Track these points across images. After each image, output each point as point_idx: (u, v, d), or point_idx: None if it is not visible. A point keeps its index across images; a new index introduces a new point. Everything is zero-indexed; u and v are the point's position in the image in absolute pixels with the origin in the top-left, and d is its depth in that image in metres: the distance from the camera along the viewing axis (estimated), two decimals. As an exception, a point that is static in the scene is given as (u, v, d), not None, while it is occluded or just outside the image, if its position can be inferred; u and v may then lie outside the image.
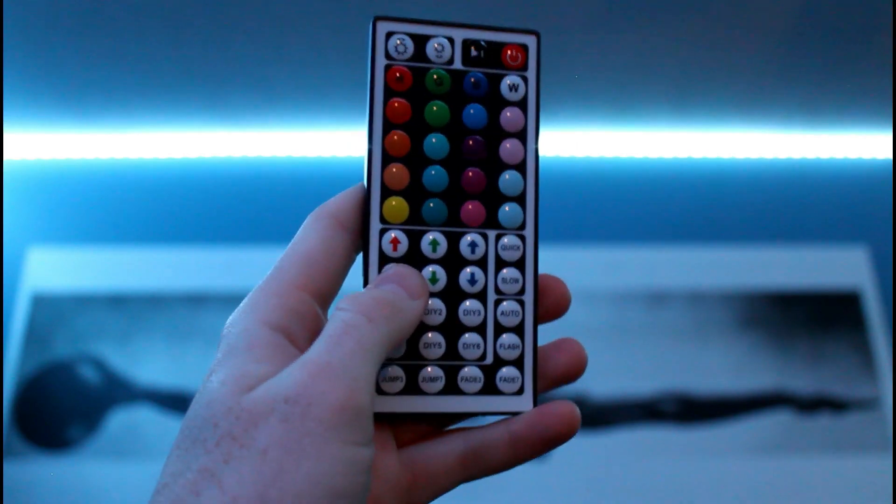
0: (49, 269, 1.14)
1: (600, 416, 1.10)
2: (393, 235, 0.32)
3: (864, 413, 1.12)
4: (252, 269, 1.13)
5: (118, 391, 1.08)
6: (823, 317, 1.17)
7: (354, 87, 1.10)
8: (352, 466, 0.25)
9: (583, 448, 1.08)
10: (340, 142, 1.21)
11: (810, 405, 1.12)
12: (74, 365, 1.10)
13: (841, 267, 1.20)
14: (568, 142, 1.24)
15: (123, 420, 1.07)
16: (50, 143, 1.20)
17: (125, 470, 1.04)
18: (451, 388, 0.32)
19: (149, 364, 1.09)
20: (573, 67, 1.08)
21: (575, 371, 0.32)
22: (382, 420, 0.31)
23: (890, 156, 1.26)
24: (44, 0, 0.93)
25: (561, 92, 1.14)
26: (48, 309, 1.12)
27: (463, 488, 0.32)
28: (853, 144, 1.27)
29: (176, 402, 1.08)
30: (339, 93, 1.12)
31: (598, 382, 1.11)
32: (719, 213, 1.24)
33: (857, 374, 1.14)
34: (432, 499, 0.31)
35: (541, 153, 0.33)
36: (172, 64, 1.05)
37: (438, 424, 0.32)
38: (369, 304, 0.28)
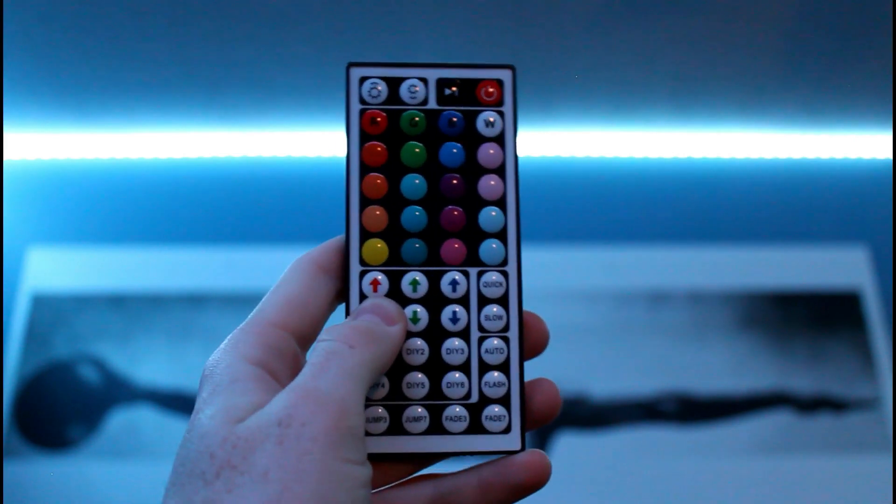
0: (49, 269, 1.14)
1: (600, 416, 1.10)
2: (373, 277, 0.32)
3: (864, 413, 1.12)
4: (252, 269, 1.13)
5: (118, 391, 1.08)
6: (823, 317, 1.17)
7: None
8: (352, 482, 0.25)
9: (583, 448, 1.08)
10: (340, 142, 1.21)
11: (810, 405, 1.12)
12: (74, 365, 1.10)
13: (841, 267, 1.20)
14: (568, 142, 1.24)
15: (123, 420, 1.07)
16: (50, 143, 1.20)
17: (125, 470, 1.04)
18: (436, 427, 0.31)
19: (149, 364, 1.09)
20: (573, 67, 1.08)
21: (550, 414, 0.32)
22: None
23: (890, 156, 1.26)
24: (44, 0, 0.93)
25: (561, 92, 1.14)
26: (48, 309, 1.12)
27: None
28: (853, 144, 1.27)
29: (176, 402, 1.08)
30: (339, 93, 1.11)
31: (598, 382, 1.11)
32: (719, 213, 1.24)
33: (857, 374, 1.14)
34: None
35: (520, 185, 0.33)
36: (172, 64, 1.05)
37: (421, 463, 0.32)
38: (348, 332, 0.29)
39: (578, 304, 1.15)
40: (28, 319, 1.11)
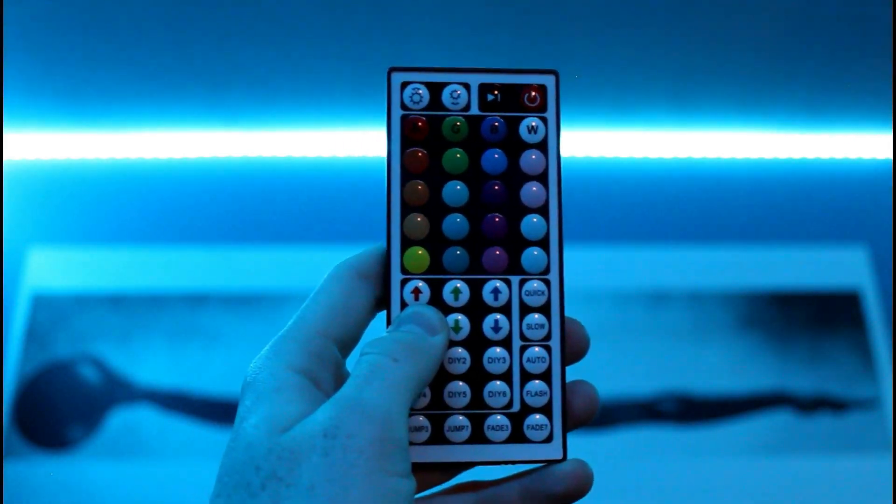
0: (49, 269, 1.14)
1: (600, 416, 1.10)
2: (415, 285, 0.32)
3: (864, 413, 1.12)
4: (252, 269, 1.13)
5: (118, 391, 1.08)
6: (823, 317, 1.17)
7: (354, 87, 1.10)
8: (396, 496, 0.25)
9: (583, 448, 1.08)
10: (340, 142, 1.21)
11: (810, 405, 1.12)
12: (74, 365, 1.10)
13: (841, 267, 1.20)
14: (568, 142, 1.24)
15: (123, 420, 1.07)
16: (50, 143, 1.20)
17: (125, 470, 1.04)
18: (478, 437, 0.31)
19: (149, 364, 1.09)
20: (573, 67, 1.08)
21: (589, 415, 0.33)
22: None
23: (890, 156, 1.26)
24: (44, 0, 0.93)
25: (560, 92, 1.14)
26: (48, 309, 1.12)
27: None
28: (853, 144, 1.27)
29: (176, 402, 1.08)
30: (339, 93, 1.12)
31: (599, 382, 1.10)
32: (719, 213, 1.24)
33: (857, 374, 1.14)
34: None
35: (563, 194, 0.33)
36: (172, 64, 1.05)
37: (456, 469, 0.33)
38: (392, 345, 0.29)
39: (578, 304, 1.14)
40: (28, 319, 1.11)
